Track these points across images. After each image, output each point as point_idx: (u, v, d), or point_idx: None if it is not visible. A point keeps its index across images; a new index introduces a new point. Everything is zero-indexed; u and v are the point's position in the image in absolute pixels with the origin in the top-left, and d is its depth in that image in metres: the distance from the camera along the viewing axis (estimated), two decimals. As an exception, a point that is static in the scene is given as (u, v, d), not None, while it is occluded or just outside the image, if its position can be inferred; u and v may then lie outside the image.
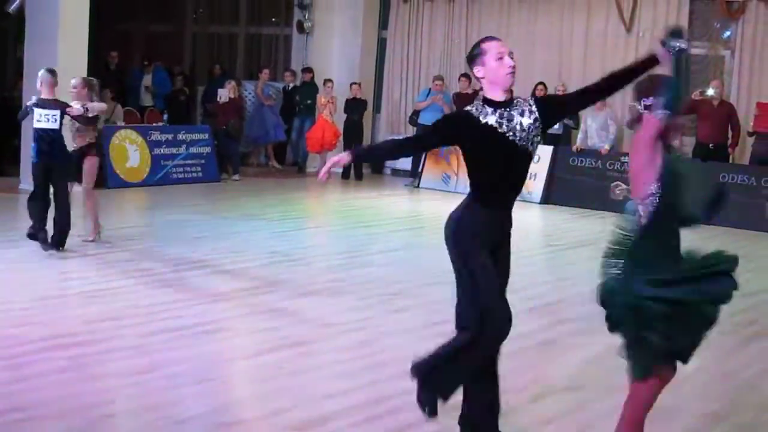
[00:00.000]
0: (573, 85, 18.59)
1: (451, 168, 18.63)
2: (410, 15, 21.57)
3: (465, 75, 19.64)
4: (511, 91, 5.41)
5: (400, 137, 20.80)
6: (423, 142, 6.32)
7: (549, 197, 17.58)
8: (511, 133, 5.30)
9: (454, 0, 20.87)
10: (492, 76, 5.35)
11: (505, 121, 5.30)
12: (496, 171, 5.38)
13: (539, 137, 5.46)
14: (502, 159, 5.34)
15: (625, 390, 6.93)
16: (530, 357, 7.73)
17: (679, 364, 5.18)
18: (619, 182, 16.40)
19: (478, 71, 5.39)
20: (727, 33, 18.34)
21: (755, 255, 12.56)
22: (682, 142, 16.24)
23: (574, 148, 17.56)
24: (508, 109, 5.33)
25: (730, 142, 16.88)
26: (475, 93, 18.71)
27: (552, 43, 19.56)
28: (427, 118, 19.34)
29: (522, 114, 5.35)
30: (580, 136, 17.73)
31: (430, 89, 19.82)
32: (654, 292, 4.92)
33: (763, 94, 17.20)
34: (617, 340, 7.67)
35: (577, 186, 17.32)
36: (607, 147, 17.45)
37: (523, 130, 5.32)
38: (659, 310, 4.91)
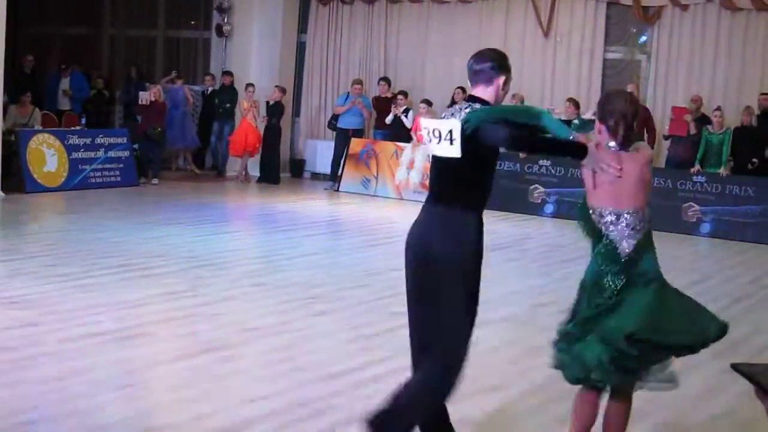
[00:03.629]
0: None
1: (370, 172, 18.65)
2: (329, 19, 21.59)
3: (384, 79, 19.69)
4: None
5: (326, 142, 20.98)
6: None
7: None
8: None
9: (373, 3, 20.93)
10: (499, 96, 5.54)
11: None
12: (491, 176, 5.57)
13: None
14: (495, 164, 5.57)
15: (547, 388, 7.02)
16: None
17: None
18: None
19: (500, 80, 5.56)
20: (643, 38, 18.63)
21: (672, 255, 12.74)
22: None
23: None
24: None
25: (646, 145, 17.11)
26: (394, 97, 18.81)
27: (470, 47, 19.20)
28: (345, 123, 19.39)
29: None
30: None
31: (348, 93, 19.85)
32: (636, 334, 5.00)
33: (678, 99, 17.48)
34: (539, 340, 7.77)
35: (495, 189, 17.33)
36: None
37: None
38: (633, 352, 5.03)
